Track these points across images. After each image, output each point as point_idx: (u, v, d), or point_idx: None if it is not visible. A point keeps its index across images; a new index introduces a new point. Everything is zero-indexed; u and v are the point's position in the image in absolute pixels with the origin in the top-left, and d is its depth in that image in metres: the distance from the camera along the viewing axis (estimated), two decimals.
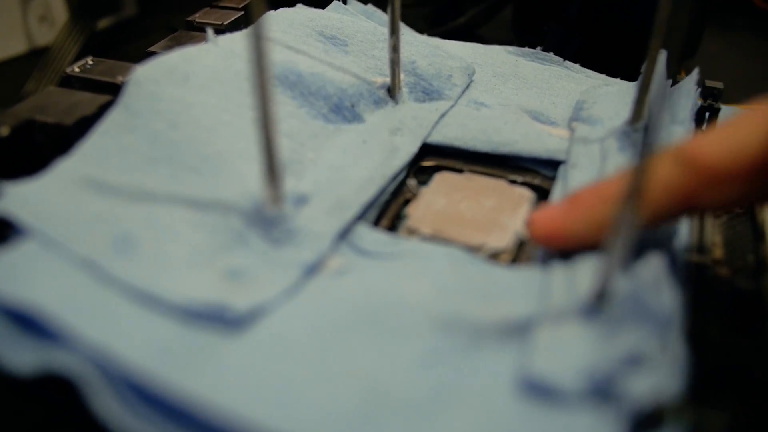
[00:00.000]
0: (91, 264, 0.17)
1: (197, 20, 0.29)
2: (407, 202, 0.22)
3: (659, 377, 0.14)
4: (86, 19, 0.39)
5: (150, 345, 0.15)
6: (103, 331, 0.15)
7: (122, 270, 0.16)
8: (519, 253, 0.20)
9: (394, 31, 0.23)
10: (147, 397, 0.14)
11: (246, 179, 0.19)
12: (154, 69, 0.21)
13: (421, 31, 0.32)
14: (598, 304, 0.16)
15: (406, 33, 0.28)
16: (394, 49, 0.23)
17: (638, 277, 0.17)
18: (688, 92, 0.23)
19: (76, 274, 0.16)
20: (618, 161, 0.21)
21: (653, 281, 0.16)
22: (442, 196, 0.21)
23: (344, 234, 0.19)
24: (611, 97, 0.25)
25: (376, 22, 0.29)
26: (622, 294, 0.16)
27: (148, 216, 0.18)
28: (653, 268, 0.17)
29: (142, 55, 0.26)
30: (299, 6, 0.28)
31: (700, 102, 0.25)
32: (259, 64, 0.16)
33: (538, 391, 0.14)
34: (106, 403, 0.14)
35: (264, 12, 0.16)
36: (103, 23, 0.41)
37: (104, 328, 0.15)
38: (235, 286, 0.17)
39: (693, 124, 0.24)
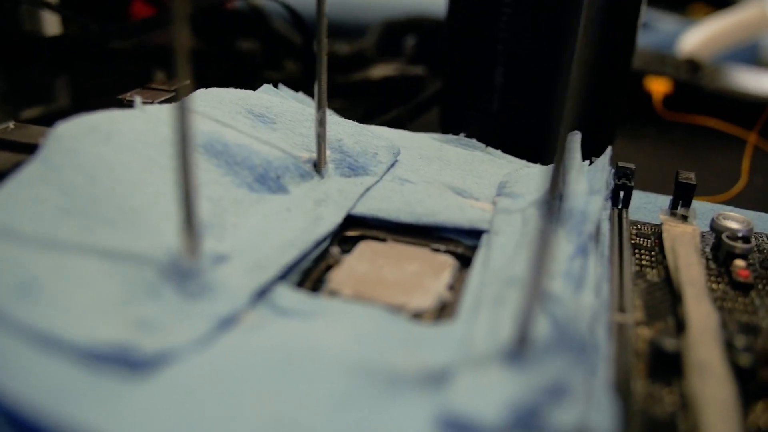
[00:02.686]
0: None
1: (127, 98, 0.29)
2: (329, 267, 0.21)
3: (585, 409, 0.14)
4: (12, 107, 0.39)
5: (45, 383, 0.14)
6: None
7: (22, 313, 0.16)
8: (441, 313, 0.19)
9: (320, 106, 0.24)
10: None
11: (163, 234, 0.19)
12: (76, 126, 0.21)
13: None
14: (519, 348, 0.16)
15: (334, 116, 0.29)
16: (320, 123, 0.24)
17: (559, 325, 0.17)
18: (602, 167, 0.24)
19: None
20: (539, 224, 0.22)
21: (574, 314, 0.16)
22: (365, 262, 0.21)
23: (263, 293, 0.19)
24: (532, 176, 0.26)
25: (305, 104, 0.30)
26: (543, 339, 0.16)
27: (56, 263, 0.17)
28: (575, 320, 0.17)
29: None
30: (230, 88, 0.29)
31: (614, 182, 0.26)
32: (182, 123, 0.16)
33: (458, 428, 0.14)
34: None
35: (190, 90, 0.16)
36: (30, 113, 0.41)
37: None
38: (143, 333, 0.16)
39: (609, 200, 0.25)
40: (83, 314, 0.16)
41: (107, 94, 0.42)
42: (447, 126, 0.35)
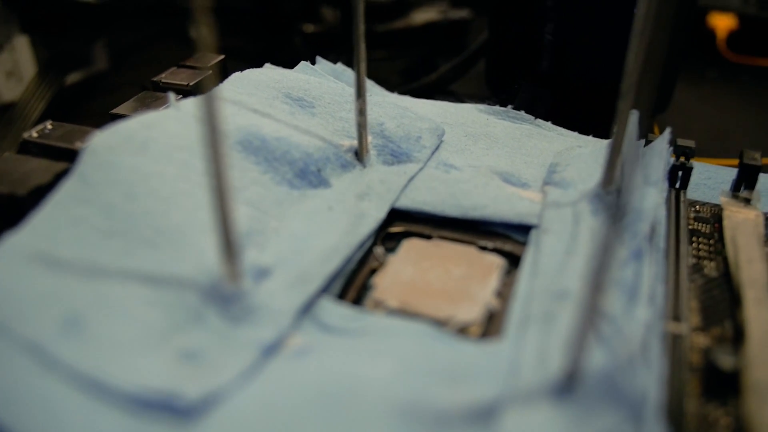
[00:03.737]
0: (36, 348, 0.16)
1: (163, 80, 0.28)
2: (374, 271, 0.21)
3: None
4: (55, 74, 0.39)
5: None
6: (44, 428, 0.14)
7: (69, 354, 0.16)
8: (488, 326, 0.19)
9: (360, 95, 0.23)
10: None
11: (204, 253, 0.19)
12: (112, 136, 0.20)
13: (393, 86, 0.32)
14: (569, 384, 0.16)
15: (375, 93, 0.28)
16: (361, 112, 0.23)
17: (612, 355, 0.16)
18: (660, 153, 0.23)
19: (19, 362, 0.16)
20: (590, 225, 0.21)
21: (628, 360, 0.16)
22: (409, 265, 0.21)
23: (307, 309, 0.19)
24: (584, 159, 0.25)
25: (346, 81, 0.29)
26: (594, 374, 0.16)
27: (99, 293, 0.17)
28: (628, 344, 0.17)
29: (108, 113, 0.26)
30: (267, 66, 0.28)
31: (672, 160, 0.25)
32: (213, 132, 0.15)
33: None
34: None
35: (215, 83, 0.15)
36: (73, 78, 0.41)
37: (45, 424, 0.14)
38: (189, 371, 0.16)
39: (666, 184, 0.24)
40: (128, 352, 0.16)
41: (143, 56, 0.42)
42: (493, 86, 0.34)
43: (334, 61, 0.30)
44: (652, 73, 0.17)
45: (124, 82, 0.40)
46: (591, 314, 0.15)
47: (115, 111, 0.26)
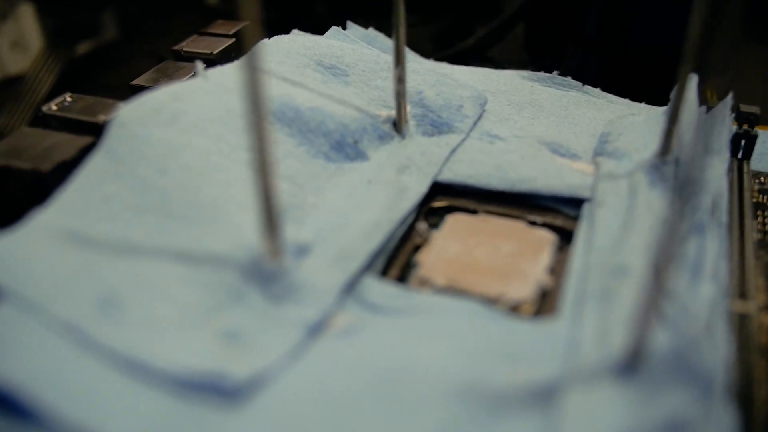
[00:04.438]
0: (73, 328, 0.16)
1: (185, 49, 0.29)
2: (417, 248, 0.21)
3: None
4: (63, 44, 0.40)
5: (139, 423, 0.15)
6: (86, 410, 0.15)
7: (107, 334, 0.16)
8: (542, 304, 0.19)
9: (399, 62, 0.23)
10: None
11: (242, 229, 0.19)
12: (139, 108, 0.21)
13: (426, 53, 0.32)
14: (633, 363, 0.16)
15: (411, 60, 0.28)
16: (400, 80, 0.24)
17: (677, 333, 0.16)
18: (722, 120, 0.23)
19: (56, 342, 0.16)
20: (649, 197, 0.21)
21: (694, 338, 0.16)
22: (455, 241, 0.21)
23: (350, 287, 0.19)
24: (638, 127, 0.25)
25: (378, 47, 0.29)
26: (660, 353, 0.16)
27: (134, 272, 0.18)
28: (694, 321, 0.17)
29: (123, 85, 0.26)
30: (295, 32, 0.28)
31: (734, 128, 0.25)
32: (255, 100, 0.16)
33: None
34: None
35: (258, 40, 0.15)
36: (82, 48, 0.41)
37: (87, 405, 0.15)
38: (233, 351, 0.16)
39: (728, 154, 0.24)
40: (169, 332, 0.17)
41: (154, 24, 0.42)
42: (533, 51, 0.34)
43: (365, 26, 0.30)
44: (714, 34, 0.17)
45: (137, 53, 0.40)
46: (656, 291, 0.15)
47: (135, 82, 0.26)
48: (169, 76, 0.26)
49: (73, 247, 0.18)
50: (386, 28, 0.26)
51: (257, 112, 0.16)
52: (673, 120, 0.22)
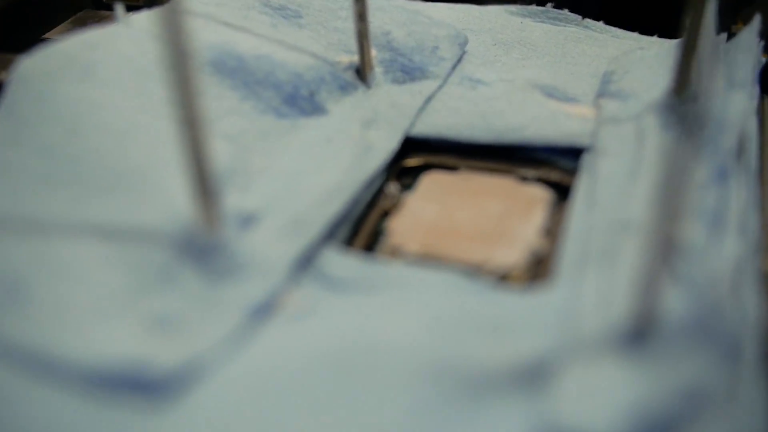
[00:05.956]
0: None
1: None
2: (387, 213, 0.21)
3: (729, 420, 0.13)
4: None
5: (43, 424, 0.14)
6: None
7: (8, 325, 0.16)
8: (535, 271, 0.19)
9: None
10: None
11: (172, 198, 0.19)
12: (47, 60, 0.20)
13: None
14: (641, 332, 0.15)
15: None
16: (361, 17, 0.23)
17: (694, 295, 0.16)
18: (748, 47, 0.23)
19: None
20: (659, 142, 0.21)
21: (716, 300, 0.16)
22: (432, 204, 0.21)
23: (306, 260, 0.19)
24: (648, 62, 0.25)
25: None
26: (673, 319, 0.15)
27: (43, 254, 0.17)
28: (716, 281, 0.17)
29: (37, 41, 0.26)
30: None
31: (764, 58, 0.24)
32: (176, 41, 0.15)
33: None
34: None
35: None
36: None
37: None
38: (161, 339, 0.16)
39: (757, 87, 0.23)
40: (83, 320, 0.16)
41: None
42: None
43: None
44: None
45: (59, 7, 0.40)
46: (665, 246, 0.15)
47: (48, 35, 0.26)
48: (88, 28, 0.26)
49: None
50: None
51: (179, 55, 0.15)
52: (688, 49, 0.21)
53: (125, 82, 0.21)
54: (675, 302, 0.16)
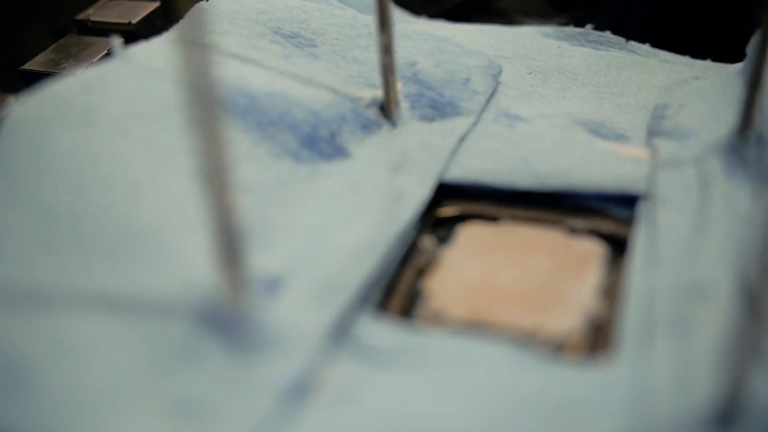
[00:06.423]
0: None
1: (93, 19, 0.28)
2: (422, 271, 0.21)
3: None
4: None
5: None
6: None
7: (14, 418, 0.16)
8: (594, 340, 0.19)
9: (384, 25, 0.23)
10: None
11: (190, 262, 0.19)
12: (40, 106, 0.20)
13: (417, 8, 0.32)
14: (727, 416, 0.16)
15: (400, 20, 0.28)
16: (386, 49, 0.23)
17: None
18: None
19: None
20: (727, 190, 0.21)
21: None
22: (472, 260, 0.21)
23: (341, 331, 0.19)
24: (705, 95, 0.25)
25: (352, 5, 0.29)
26: (763, 397, 0.16)
27: (44, 331, 0.17)
28: None
29: (12, 69, 0.26)
30: None
31: None
32: (203, 86, 0.15)
33: None
34: None
35: (193, 2, 0.15)
36: None
37: None
38: (185, 428, 0.16)
39: None
40: (97, 411, 0.16)
41: None
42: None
43: None
44: None
45: (29, 23, 0.40)
46: (751, 320, 0.15)
47: (28, 67, 0.26)
48: (74, 57, 0.26)
49: None
50: None
51: (205, 101, 0.15)
52: (754, 83, 0.21)
53: (128, 128, 0.21)
54: (762, 383, 0.16)
